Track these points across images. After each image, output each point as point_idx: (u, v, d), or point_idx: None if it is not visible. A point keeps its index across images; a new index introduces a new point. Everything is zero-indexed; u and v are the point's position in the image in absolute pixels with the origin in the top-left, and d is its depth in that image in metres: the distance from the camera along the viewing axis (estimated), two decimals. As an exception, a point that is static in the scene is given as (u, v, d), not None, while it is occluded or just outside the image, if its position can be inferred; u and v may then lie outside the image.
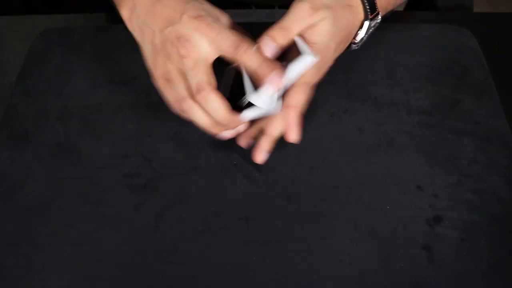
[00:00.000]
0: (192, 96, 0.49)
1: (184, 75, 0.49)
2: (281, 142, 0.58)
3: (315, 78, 0.53)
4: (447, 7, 0.80)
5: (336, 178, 0.55)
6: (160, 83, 0.52)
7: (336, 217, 0.52)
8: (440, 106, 0.61)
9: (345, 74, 0.63)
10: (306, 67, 0.50)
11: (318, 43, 0.51)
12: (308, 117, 0.60)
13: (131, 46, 0.67)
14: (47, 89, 0.62)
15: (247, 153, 0.57)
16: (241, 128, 0.53)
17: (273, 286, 0.49)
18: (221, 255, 0.50)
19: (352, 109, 0.61)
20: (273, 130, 0.53)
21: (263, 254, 0.50)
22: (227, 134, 0.53)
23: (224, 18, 0.51)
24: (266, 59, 0.48)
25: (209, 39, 0.47)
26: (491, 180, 0.55)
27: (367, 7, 0.55)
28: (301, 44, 0.51)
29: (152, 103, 0.61)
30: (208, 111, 0.49)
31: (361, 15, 0.55)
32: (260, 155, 0.54)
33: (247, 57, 0.48)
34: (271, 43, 0.49)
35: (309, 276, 0.49)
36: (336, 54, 0.56)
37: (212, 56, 0.49)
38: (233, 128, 0.52)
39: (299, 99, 0.52)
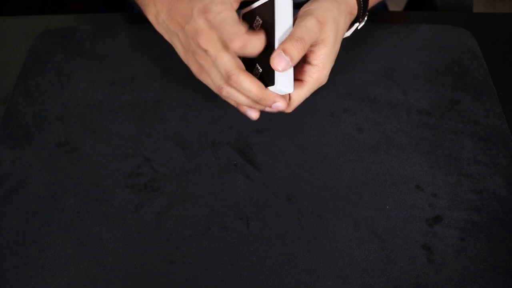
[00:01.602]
0: (227, 82, 0.51)
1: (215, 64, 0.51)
2: (281, 142, 0.58)
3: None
4: (447, 7, 0.80)
5: (336, 178, 0.55)
6: (199, 76, 0.54)
7: (336, 217, 0.53)
8: (439, 106, 0.61)
9: (344, 74, 0.63)
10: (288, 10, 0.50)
11: (322, 61, 0.51)
12: (308, 117, 0.60)
13: (131, 46, 0.67)
14: (48, 89, 0.63)
15: (247, 153, 0.57)
16: (280, 103, 0.51)
17: (273, 286, 0.49)
18: (221, 255, 0.50)
19: (352, 109, 0.61)
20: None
21: (263, 254, 0.50)
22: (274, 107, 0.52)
23: None
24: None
25: (215, 28, 0.49)
26: (491, 180, 0.55)
27: (361, 12, 0.56)
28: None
29: (152, 103, 0.61)
30: (244, 93, 0.50)
31: (354, 18, 0.56)
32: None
33: (237, 49, 0.49)
34: (285, 59, 0.48)
35: (309, 276, 0.49)
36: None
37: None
38: (269, 104, 0.51)
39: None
